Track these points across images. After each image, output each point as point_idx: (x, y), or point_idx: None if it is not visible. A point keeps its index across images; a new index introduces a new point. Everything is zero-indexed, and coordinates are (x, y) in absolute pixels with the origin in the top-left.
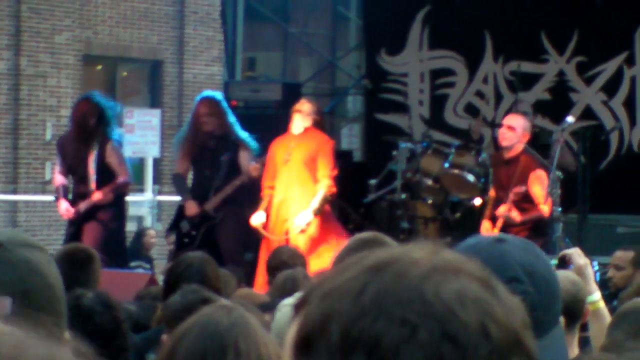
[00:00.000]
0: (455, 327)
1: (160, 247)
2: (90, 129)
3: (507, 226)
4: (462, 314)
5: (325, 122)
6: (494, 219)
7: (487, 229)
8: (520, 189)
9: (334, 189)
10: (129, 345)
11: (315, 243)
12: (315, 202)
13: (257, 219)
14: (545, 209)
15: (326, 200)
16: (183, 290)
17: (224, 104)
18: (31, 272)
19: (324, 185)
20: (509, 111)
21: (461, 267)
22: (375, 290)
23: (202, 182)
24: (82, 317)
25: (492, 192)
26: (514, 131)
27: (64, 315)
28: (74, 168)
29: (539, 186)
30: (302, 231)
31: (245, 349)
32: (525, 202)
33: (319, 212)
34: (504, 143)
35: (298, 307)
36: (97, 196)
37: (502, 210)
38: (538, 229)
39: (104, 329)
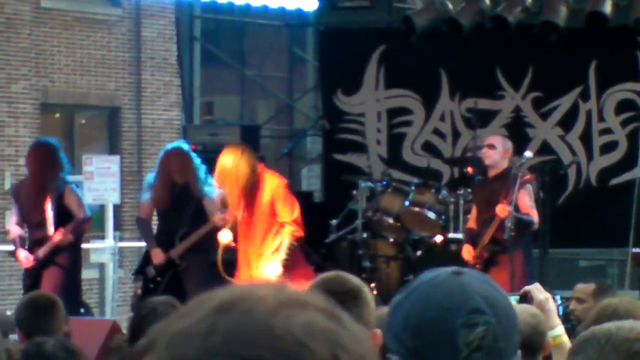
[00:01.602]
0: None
1: (123, 293)
2: (46, 173)
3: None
4: (314, 345)
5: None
6: (474, 244)
7: (468, 253)
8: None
9: (299, 233)
10: None
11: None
12: (282, 253)
13: (224, 237)
14: (535, 217)
15: (292, 248)
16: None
17: (191, 155)
18: None
19: (287, 232)
20: (466, 149)
21: (306, 301)
22: (223, 330)
23: (168, 229)
24: None
25: (469, 223)
26: (495, 149)
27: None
28: (31, 214)
29: (528, 197)
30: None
31: None
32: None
33: (287, 262)
34: (487, 161)
35: (140, 355)
36: (57, 237)
37: (500, 209)
38: (526, 243)
39: None
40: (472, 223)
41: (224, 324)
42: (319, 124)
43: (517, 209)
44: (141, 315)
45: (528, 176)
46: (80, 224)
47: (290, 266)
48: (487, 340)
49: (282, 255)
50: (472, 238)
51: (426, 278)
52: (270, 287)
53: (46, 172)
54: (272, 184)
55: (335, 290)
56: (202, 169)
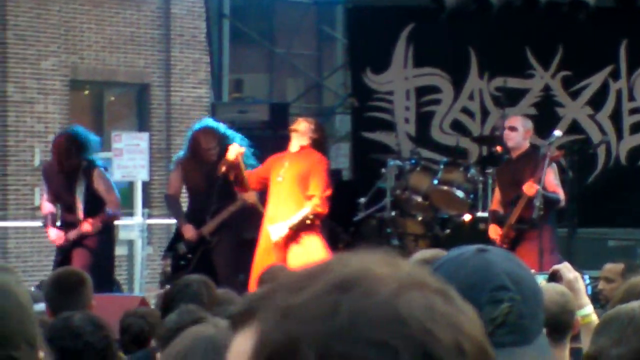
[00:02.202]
0: (434, 347)
1: (151, 270)
2: (71, 163)
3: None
4: (438, 332)
5: (325, 140)
6: (500, 224)
7: (496, 233)
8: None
9: (322, 210)
10: None
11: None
12: (295, 218)
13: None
14: (562, 195)
15: (307, 219)
16: (179, 310)
17: (221, 131)
18: (1, 295)
19: (311, 204)
20: (495, 128)
21: (423, 281)
22: (348, 311)
23: (198, 206)
24: (72, 336)
25: (493, 205)
26: (516, 131)
27: (36, 334)
28: (61, 197)
29: (553, 175)
30: (276, 243)
31: None
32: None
33: (296, 228)
34: (510, 143)
35: (240, 320)
36: (85, 227)
37: (527, 186)
38: (553, 221)
39: (95, 347)
40: (495, 205)
41: (347, 304)
42: (347, 102)
43: (544, 187)
44: (175, 290)
45: (557, 153)
46: (108, 219)
47: (299, 236)
48: (511, 317)
49: (293, 220)
50: (498, 219)
51: (451, 256)
52: (385, 263)
53: (68, 163)
54: (315, 158)
55: None
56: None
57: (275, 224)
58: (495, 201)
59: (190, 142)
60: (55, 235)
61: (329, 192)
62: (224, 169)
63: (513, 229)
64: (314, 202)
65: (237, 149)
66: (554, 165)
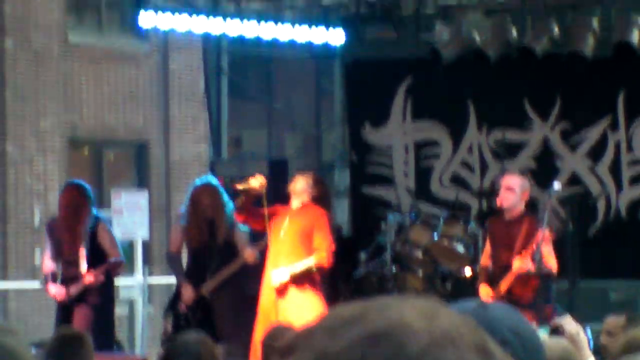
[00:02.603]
0: None
1: (152, 329)
2: (77, 216)
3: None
4: None
5: (325, 193)
6: (491, 284)
7: (486, 293)
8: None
9: (327, 262)
10: None
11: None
12: (298, 266)
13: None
14: (554, 266)
15: (311, 270)
16: None
17: (220, 189)
18: (7, 357)
19: (317, 255)
20: (494, 182)
21: (458, 336)
22: None
23: (198, 264)
24: None
25: (483, 260)
26: (513, 192)
27: None
28: (64, 252)
29: (548, 246)
30: (278, 289)
31: None
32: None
33: (298, 277)
34: (505, 204)
35: (282, 355)
36: (88, 279)
37: (518, 264)
38: (545, 293)
39: None
40: (486, 260)
41: (375, 358)
42: (346, 156)
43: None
44: (173, 351)
45: (549, 234)
46: (112, 267)
47: (300, 288)
48: None
49: (296, 268)
50: (488, 277)
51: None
52: (424, 315)
53: (77, 214)
54: (316, 213)
55: None
56: (230, 205)
57: (277, 269)
58: (486, 255)
59: (191, 199)
60: (55, 291)
61: (332, 247)
62: (240, 188)
63: (505, 299)
64: (320, 254)
65: (262, 179)
66: (549, 233)
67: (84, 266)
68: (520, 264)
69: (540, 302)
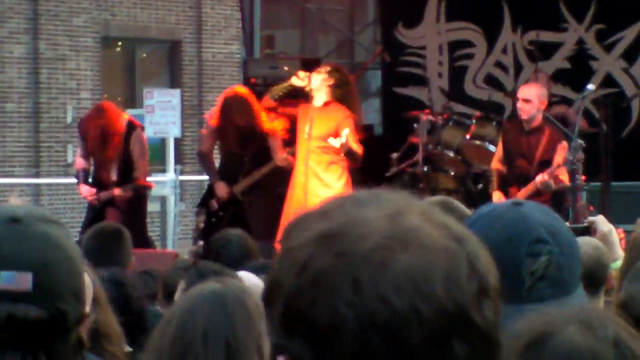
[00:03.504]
0: (385, 316)
1: (184, 227)
2: (112, 135)
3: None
4: (394, 300)
5: (348, 90)
6: (504, 190)
7: (499, 199)
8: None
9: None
10: (145, 322)
11: None
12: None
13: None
14: (566, 179)
15: (353, 153)
16: (198, 267)
17: (252, 100)
18: (51, 246)
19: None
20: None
21: (416, 238)
22: (315, 269)
23: (231, 165)
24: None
25: (494, 164)
26: (531, 103)
27: (84, 287)
28: (95, 154)
29: (563, 157)
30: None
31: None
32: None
33: (346, 152)
34: (524, 116)
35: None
36: (117, 192)
37: (540, 178)
38: (560, 200)
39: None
40: (498, 164)
41: (316, 262)
42: (379, 57)
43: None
44: (216, 246)
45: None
46: (139, 189)
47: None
48: (551, 270)
49: (348, 146)
50: (502, 182)
51: (486, 210)
52: (386, 215)
53: (109, 135)
54: (342, 115)
55: None
56: (261, 113)
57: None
58: (497, 159)
59: (221, 110)
60: (86, 191)
61: (361, 149)
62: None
63: None
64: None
65: (304, 76)
66: (565, 144)
67: (114, 173)
68: (542, 179)
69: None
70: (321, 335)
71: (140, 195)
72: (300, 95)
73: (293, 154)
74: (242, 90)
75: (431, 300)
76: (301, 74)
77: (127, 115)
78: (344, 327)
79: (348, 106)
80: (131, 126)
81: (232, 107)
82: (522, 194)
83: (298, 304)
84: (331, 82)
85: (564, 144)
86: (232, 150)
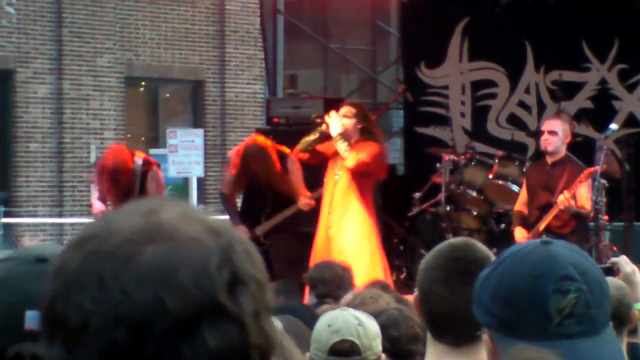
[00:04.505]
0: (127, 309)
1: None
2: (123, 174)
3: (549, 232)
4: (137, 292)
5: (369, 121)
6: (527, 227)
7: (521, 236)
8: (581, 179)
9: (363, 164)
10: None
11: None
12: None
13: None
14: (589, 207)
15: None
16: None
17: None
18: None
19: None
20: None
21: (165, 230)
22: (67, 272)
23: (252, 207)
24: None
25: (517, 206)
26: (556, 135)
27: None
28: (109, 192)
29: (585, 188)
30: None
31: None
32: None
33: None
34: (549, 148)
35: None
36: None
37: (561, 198)
38: (581, 233)
39: None
40: (521, 207)
41: (69, 264)
42: (401, 96)
43: (574, 197)
44: None
45: (593, 169)
46: None
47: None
48: (579, 307)
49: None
50: (523, 221)
51: (514, 249)
52: (140, 213)
53: (120, 174)
54: (367, 145)
55: (464, 258)
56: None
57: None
58: (521, 202)
59: (241, 162)
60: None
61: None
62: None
63: (540, 235)
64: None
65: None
66: (590, 179)
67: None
68: (564, 199)
69: (572, 238)
70: (73, 334)
71: None
72: (329, 138)
73: (316, 198)
74: (261, 139)
75: (176, 290)
76: (328, 119)
77: (142, 154)
78: (90, 323)
79: (375, 140)
80: (146, 164)
81: (251, 156)
82: (543, 223)
83: (54, 308)
84: (360, 125)
85: (586, 173)
86: (254, 191)
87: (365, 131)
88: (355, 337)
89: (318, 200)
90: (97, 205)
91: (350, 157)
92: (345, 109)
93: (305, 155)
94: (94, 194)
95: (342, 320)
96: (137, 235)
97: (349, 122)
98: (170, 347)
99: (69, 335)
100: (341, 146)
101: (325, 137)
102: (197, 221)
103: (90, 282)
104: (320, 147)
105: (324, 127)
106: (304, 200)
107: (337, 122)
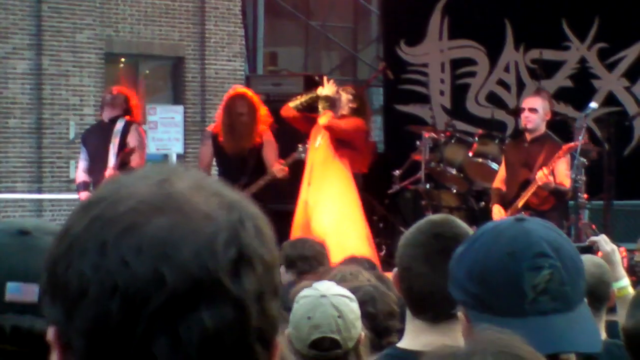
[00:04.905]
0: (124, 280)
1: None
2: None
3: (528, 209)
4: (136, 263)
5: (364, 105)
6: (505, 205)
7: (499, 213)
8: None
9: (337, 126)
10: None
11: (341, 217)
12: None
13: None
14: (568, 184)
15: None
16: None
17: (256, 99)
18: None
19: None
20: None
21: (175, 202)
22: (71, 235)
23: (228, 180)
24: None
25: (496, 183)
26: (537, 113)
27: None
28: (97, 155)
29: (564, 165)
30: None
31: None
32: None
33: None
34: (529, 125)
35: None
36: (108, 172)
37: (540, 174)
38: (561, 211)
39: None
40: (500, 183)
41: (75, 227)
42: (381, 74)
43: (553, 174)
44: None
45: (572, 144)
46: (125, 155)
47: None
48: (553, 284)
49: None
50: (501, 198)
51: (489, 227)
52: (153, 181)
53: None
54: (350, 121)
55: (443, 234)
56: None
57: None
58: (500, 179)
59: (224, 106)
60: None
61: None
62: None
63: (519, 213)
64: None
65: (332, 87)
66: (568, 156)
67: (112, 164)
68: (542, 175)
69: (550, 215)
70: (72, 300)
71: None
72: (317, 111)
73: (290, 165)
74: (243, 89)
75: (176, 265)
76: (326, 84)
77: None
78: (89, 290)
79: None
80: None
81: (236, 102)
82: (521, 199)
83: (56, 270)
84: (354, 105)
85: (564, 148)
86: (230, 162)
87: (356, 112)
88: (336, 333)
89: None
90: (80, 176)
91: (326, 115)
92: (348, 88)
93: (292, 113)
94: (79, 165)
95: (321, 313)
96: (145, 204)
97: (344, 96)
98: (165, 324)
99: (68, 299)
100: (323, 104)
101: (315, 104)
102: (210, 193)
103: (92, 247)
104: (308, 114)
105: (319, 90)
106: (278, 166)
107: (332, 88)
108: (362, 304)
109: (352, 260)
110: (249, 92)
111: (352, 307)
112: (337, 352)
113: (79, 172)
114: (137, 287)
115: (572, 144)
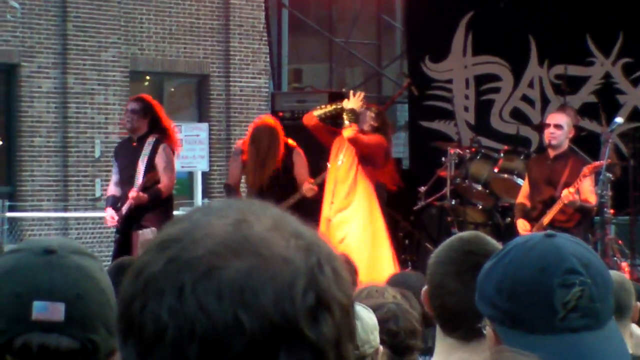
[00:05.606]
0: (204, 326)
1: None
2: (140, 124)
3: (553, 227)
4: (215, 309)
5: (385, 123)
6: (529, 220)
7: (524, 227)
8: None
9: (359, 139)
10: None
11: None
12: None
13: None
14: (594, 201)
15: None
16: None
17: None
18: (83, 278)
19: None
20: None
21: (253, 245)
22: (147, 274)
23: (257, 197)
24: None
25: (519, 199)
26: (562, 129)
27: (113, 321)
28: (126, 170)
29: (589, 182)
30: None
31: None
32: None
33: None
34: (554, 142)
35: None
36: (132, 194)
37: (566, 193)
38: (586, 227)
39: None
40: (523, 199)
41: (150, 267)
42: (406, 90)
43: (578, 191)
44: None
45: (597, 163)
46: (155, 192)
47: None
48: (583, 301)
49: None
50: (526, 214)
51: (519, 242)
52: (231, 221)
53: (137, 124)
54: (372, 138)
55: (475, 251)
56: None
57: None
58: (523, 195)
59: (251, 138)
60: (108, 215)
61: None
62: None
63: (544, 230)
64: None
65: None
66: (593, 175)
67: (139, 182)
68: (567, 194)
69: (576, 232)
70: (147, 342)
71: (167, 217)
72: (340, 125)
73: (319, 183)
74: (270, 119)
75: (255, 311)
76: (352, 97)
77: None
78: (165, 335)
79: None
80: (159, 140)
81: (262, 138)
82: (547, 217)
83: (130, 309)
84: (375, 124)
85: (590, 167)
86: (257, 183)
87: (376, 130)
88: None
89: (321, 188)
90: (110, 189)
91: (351, 128)
92: (372, 106)
93: (315, 121)
94: (111, 179)
95: None
96: (222, 247)
97: (368, 113)
98: None
99: (143, 342)
100: (348, 117)
101: (339, 117)
102: (289, 234)
103: (169, 290)
104: (330, 126)
105: (345, 103)
106: (307, 185)
107: (359, 102)
108: (384, 321)
109: (399, 276)
110: (273, 123)
111: (370, 316)
112: (355, 353)
113: (111, 185)
114: (217, 333)
115: (597, 162)
